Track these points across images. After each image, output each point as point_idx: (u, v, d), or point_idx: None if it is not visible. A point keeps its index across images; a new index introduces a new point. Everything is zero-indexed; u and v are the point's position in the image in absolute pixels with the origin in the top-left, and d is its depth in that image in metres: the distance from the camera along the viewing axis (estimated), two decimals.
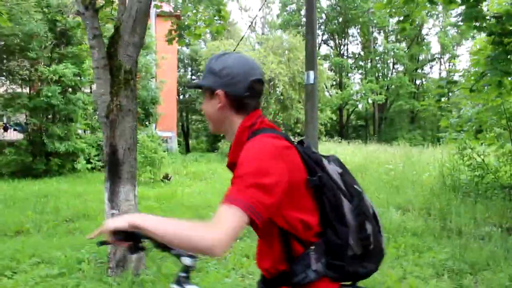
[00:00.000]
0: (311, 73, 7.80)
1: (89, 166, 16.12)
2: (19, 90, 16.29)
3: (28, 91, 15.86)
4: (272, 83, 26.15)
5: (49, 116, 15.72)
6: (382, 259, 1.63)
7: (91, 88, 18.19)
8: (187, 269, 1.61)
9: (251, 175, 1.34)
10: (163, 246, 1.55)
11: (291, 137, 1.61)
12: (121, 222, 1.40)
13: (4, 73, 16.27)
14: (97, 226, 1.62)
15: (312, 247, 1.48)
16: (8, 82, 16.10)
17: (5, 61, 15.99)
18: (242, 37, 28.36)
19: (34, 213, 8.14)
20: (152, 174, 14.72)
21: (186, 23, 8.36)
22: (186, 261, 1.59)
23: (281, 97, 26.68)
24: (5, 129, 23.34)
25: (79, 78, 15.86)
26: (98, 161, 16.49)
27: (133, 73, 4.72)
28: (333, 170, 1.56)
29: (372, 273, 1.60)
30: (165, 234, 1.31)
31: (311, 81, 7.80)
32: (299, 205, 1.48)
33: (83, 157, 16.13)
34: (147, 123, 20.96)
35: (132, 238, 1.52)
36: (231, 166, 1.52)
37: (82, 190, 11.52)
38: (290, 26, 40.10)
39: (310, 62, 7.86)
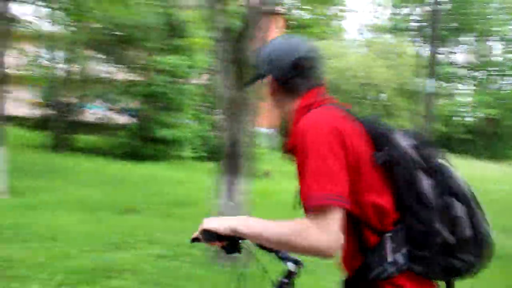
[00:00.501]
0: (431, 81, 7.39)
1: (193, 155, 16.84)
2: (134, 78, 17.39)
3: (142, 80, 16.89)
4: (378, 88, 25.43)
5: (159, 104, 16.61)
6: (488, 252, 1.31)
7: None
8: (289, 274, 1.51)
9: (308, 161, 1.25)
10: (268, 248, 1.49)
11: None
12: (221, 227, 1.34)
13: (122, 61, 17.54)
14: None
15: (388, 235, 1.27)
16: (125, 70, 17.31)
17: (123, 50, 17.24)
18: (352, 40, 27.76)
19: (141, 195, 8.64)
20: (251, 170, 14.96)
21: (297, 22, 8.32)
22: (290, 266, 1.51)
23: (387, 103, 25.80)
24: (118, 113, 25.24)
25: (189, 69, 16.62)
26: (203, 151, 17.21)
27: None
28: (406, 142, 1.34)
29: (474, 269, 1.29)
30: (270, 240, 1.26)
31: (431, 89, 7.39)
32: (367, 186, 1.28)
33: (188, 146, 16.86)
34: None
35: (227, 239, 1.40)
36: (289, 152, 1.41)
37: (185, 177, 12.03)
38: (399, 31, 38.62)
39: (430, 70, 7.48)
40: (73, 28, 15.99)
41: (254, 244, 1.46)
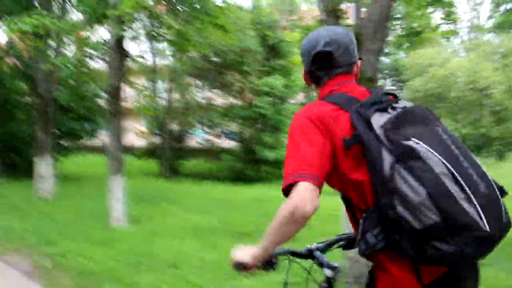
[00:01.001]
0: None
1: None
2: (233, 101, 17.73)
3: (241, 102, 17.15)
4: (485, 92, 23.44)
5: (260, 126, 16.69)
6: (481, 239, 1.20)
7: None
8: (328, 280, 1.61)
9: (292, 146, 1.40)
10: (305, 256, 1.69)
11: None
12: (247, 258, 1.51)
13: (221, 86, 18.00)
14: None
15: (364, 215, 1.35)
16: (224, 94, 17.74)
17: (222, 75, 17.69)
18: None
19: (252, 218, 8.49)
20: None
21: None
22: (327, 271, 1.61)
23: (496, 108, 23.67)
24: (219, 136, 26.03)
25: (287, 89, 16.58)
26: None
27: (375, 81, 4.39)
28: (380, 124, 1.34)
29: (462, 259, 1.23)
30: (274, 240, 1.41)
31: None
32: (348, 169, 1.39)
33: None
34: None
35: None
36: None
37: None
38: (504, 28, 35.47)
39: None
40: (174, 59, 16.75)
41: (296, 256, 1.70)
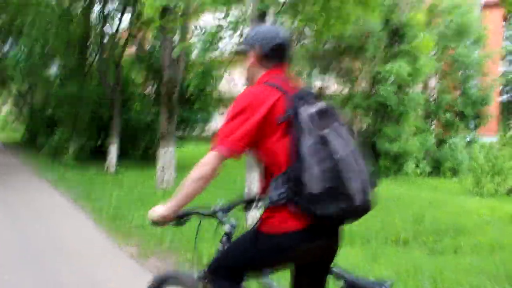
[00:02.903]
0: None
1: (417, 170, 15.22)
2: (353, 89, 16.58)
3: (362, 91, 15.98)
4: None
5: (381, 116, 15.42)
6: (353, 208, 1.69)
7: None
8: (227, 234, 2.10)
9: (229, 119, 1.81)
10: (209, 214, 2.18)
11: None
12: (166, 213, 1.94)
13: (339, 73, 16.94)
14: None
15: (275, 177, 1.77)
16: (341, 81, 16.67)
17: (340, 61, 16.62)
18: None
19: (399, 220, 7.47)
20: (497, 185, 12.63)
21: None
22: (226, 227, 2.11)
23: None
24: None
25: (411, 76, 15.09)
26: (431, 166, 15.53)
27: None
28: (307, 111, 1.73)
29: (337, 219, 1.73)
30: (186, 197, 1.86)
31: None
32: (270, 139, 1.79)
33: (412, 160, 15.30)
34: (472, 126, 18.70)
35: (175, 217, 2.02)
36: None
37: (429, 197, 10.55)
38: None
39: None
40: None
41: (201, 216, 2.19)
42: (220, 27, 7.23)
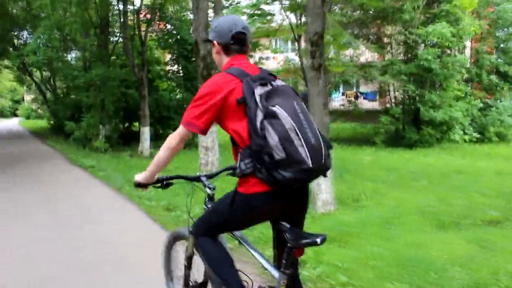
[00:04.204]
0: None
1: (465, 137, 14.36)
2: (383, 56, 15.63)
3: (403, 57, 15.04)
4: None
5: (423, 82, 14.49)
6: (306, 171, 1.89)
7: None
8: (209, 196, 2.49)
9: (193, 101, 2.12)
10: (192, 179, 2.59)
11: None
12: (142, 179, 2.36)
13: (373, 40, 16.00)
14: None
15: (241, 150, 2.02)
16: (377, 48, 15.72)
17: (373, 27, 15.67)
18: None
19: (478, 196, 6.76)
20: None
21: None
22: (208, 190, 2.49)
23: None
24: (356, 97, 24.10)
25: (454, 38, 14.07)
26: (476, 132, 14.59)
27: None
28: (258, 92, 1.98)
29: (295, 182, 1.93)
30: (158, 164, 2.25)
31: None
32: (234, 119, 2.05)
33: (458, 127, 14.42)
34: None
35: (157, 181, 2.44)
36: None
37: (490, 166, 9.76)
38: None
39: None
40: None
41: (183, 180, 2.57)
42: None
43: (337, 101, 21.75)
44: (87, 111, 15.23)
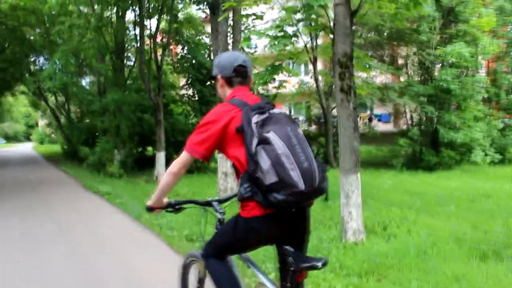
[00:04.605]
0: None
1: (486, 159, 14.01)
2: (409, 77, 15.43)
3: (419, 78, 14.84)
4: None
5: (442, 103, 14.24)
6: (299, 194, 1.97)
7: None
8: (219, 220, 2.53)
9: (197, 128, 2.24)
10: (203, 204, 2.67)
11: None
12: (151, 203, 2.44)
13: (388, 61, 15.85)
14: None
15: (241, 175, 2.12)
16: (394, 69, 15.55)
17: (392, 47, 15.53)
18: None
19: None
20: None
21: None
22: (218, 215, 2.54)
23: None
24: (370, 119, 23.88)
25: (472, 58, 13.86)
26: (496, 153, 14.23)
27: None
28: (255, 121, 2.09)
29: (289, 204, 2.01)
30: (162, 189, 2.36)
31: None
32: (234, 146, 2.16)
33: (479, 149, 14.09)
34: None
35: (169, 205, 2.51)
36: None
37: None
38: None
39: None
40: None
41: (194, 205, 2.66)
42: (292, 9, 6.28)
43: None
44: (102, 136, 15.19)
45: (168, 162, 12.81)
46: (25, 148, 42.11)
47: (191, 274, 2.87)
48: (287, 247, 2.13)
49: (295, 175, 1.95)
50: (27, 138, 59.73)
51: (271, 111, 2.16)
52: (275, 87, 12.33)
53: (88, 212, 8.29)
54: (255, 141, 2.02)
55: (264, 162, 1.97)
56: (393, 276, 4.29)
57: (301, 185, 1.96)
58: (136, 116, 14.51)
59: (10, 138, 58.64)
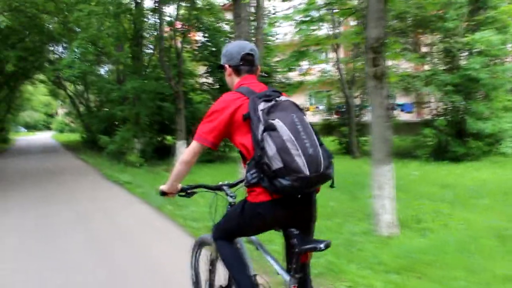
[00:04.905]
0: None
1: None
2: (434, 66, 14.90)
3: (445, 66, 14.31)
4: None
5: (469, 92, 13.72)
6: (304, 179, 2.00)
7: None
8: (230, 204, 2.62)
9: (205, 117, 2.29)
10: (214, 188, 2.76)
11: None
12: (165, 189, 2.53)
13: (413, 49, 15.35)
14: None
15: (248, 162, 2.16)
16: (417, 58, 15.05)
17: (417, 35, 15.02)
18: None
19: None
20: None
21: None
22: (229, 198, 2.64)
23: None
24: (392, 109, 23.34)
25: (503, 46, 13.30)
26: None
27: None
28: (261, 108, 2.13)
29: (294, 190, 2.03)
30: (177, 177, 2.42)
31: None
32: (241, 134, 2.20)
33: (509, 139, 13.56)
34: None
35: (182, 190, 2.61)
36: None
37: None
38: None
39: None
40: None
41: (205, 189, 2.75)
42: None
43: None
44: (121, 124, 15.07)
45: None
46: (45, 137, 42.52)
47: (201, 257, 3.02)
48: (293, 229, 2.19)
49: (300, 161, 1.99)
50: (47, 127, 60.40)
51: (278, 99, 2.20)
52: (302, 74, 11.99)
53: (108, 201, 8.17)
54: (261, 128, 2.06)
55: (270, 148, 2.01)
56: (434, 274, 4.02)
57: (306, 171, 2.00)
58: (155, 105, 14.32)
59: (30, 127, 59.34)
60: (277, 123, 2.05)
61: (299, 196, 2.12)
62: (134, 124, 14.07)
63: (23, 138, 41.65)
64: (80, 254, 4.91)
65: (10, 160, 18.71)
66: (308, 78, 16.77)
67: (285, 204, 2.12)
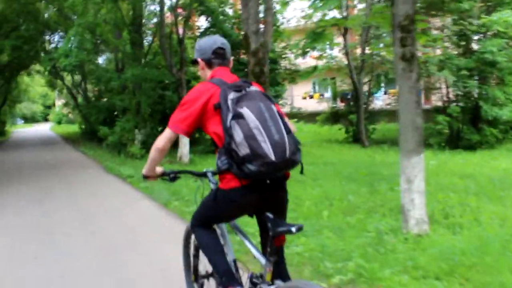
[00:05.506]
0: None
1: None
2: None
3: (458, 50, 13.75)
4: None
5: (485, 77, 13.18)
6: (270, 164, 2.07)
7: None
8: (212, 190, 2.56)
9: (179, 106, 2.35)
10: (198, 174, 2.76)
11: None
12: (144, 172, 2.55)
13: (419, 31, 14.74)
14: None
15: (219, 149, 2.22)
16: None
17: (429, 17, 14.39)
18: None
19: None
20: None
21: None
22: (212, 185, 2.67)
23: None
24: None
25: None
26: None
27: None
28: (231, 97, 2.20)
29: (261, 175, 2.11)
30: (151, 163, 2.46)
31: None
32: (213, 122, 2.26)
33: None
34: None
35: (163, 174, 2.62)
36: None
37: None
38: None
39: None
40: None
41: (189, 174, 2.79)
42: None
43: (380, 100, 20.48)
44: (121, 115, 14.55)
45: (191, 142, 12.16)
46: (43, 128, 42.03)
47: (191, 245, 3.02)
48: (268, 214, 2.23)
49: (266, 147, 2.07)
50: (45, 119, 59.85)
51: (247, 89, 2.28)
52: (317, 58, 11.38)
53: (110, 197, 7.71)
54: (230, 116, 2.14)
55: (238, 135, 2.09)
56: (478, 280, 3.54)
57: (272, 156, 2.07)
58: (157, 94, 13.79)
59: (28, 119, 58.78)
60: (245, 111, 2.14)
61: (268, 181, 2.20)
62: (134, 114, 13.56)
63: (20, 130, 41.18)
64: (84, 256, 4.46)
65: (6, 153, 18.23)
66: (320, 63, 16.26)
67: (254, 189, 2.20)
